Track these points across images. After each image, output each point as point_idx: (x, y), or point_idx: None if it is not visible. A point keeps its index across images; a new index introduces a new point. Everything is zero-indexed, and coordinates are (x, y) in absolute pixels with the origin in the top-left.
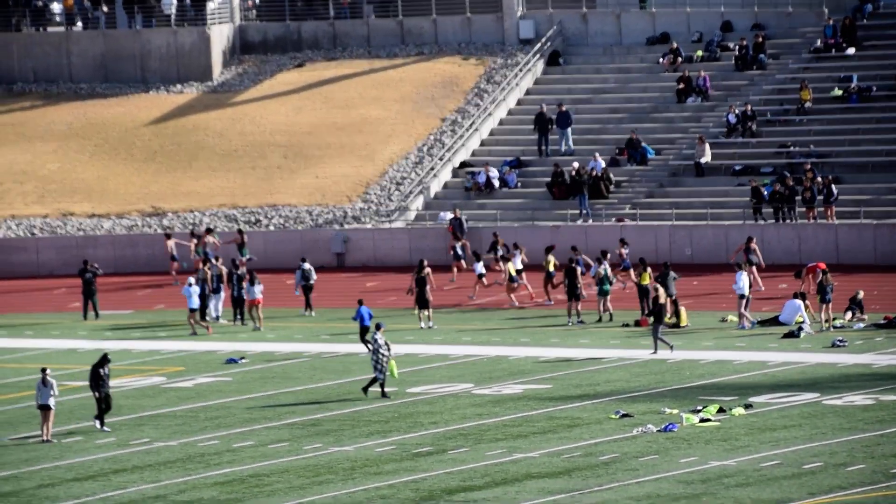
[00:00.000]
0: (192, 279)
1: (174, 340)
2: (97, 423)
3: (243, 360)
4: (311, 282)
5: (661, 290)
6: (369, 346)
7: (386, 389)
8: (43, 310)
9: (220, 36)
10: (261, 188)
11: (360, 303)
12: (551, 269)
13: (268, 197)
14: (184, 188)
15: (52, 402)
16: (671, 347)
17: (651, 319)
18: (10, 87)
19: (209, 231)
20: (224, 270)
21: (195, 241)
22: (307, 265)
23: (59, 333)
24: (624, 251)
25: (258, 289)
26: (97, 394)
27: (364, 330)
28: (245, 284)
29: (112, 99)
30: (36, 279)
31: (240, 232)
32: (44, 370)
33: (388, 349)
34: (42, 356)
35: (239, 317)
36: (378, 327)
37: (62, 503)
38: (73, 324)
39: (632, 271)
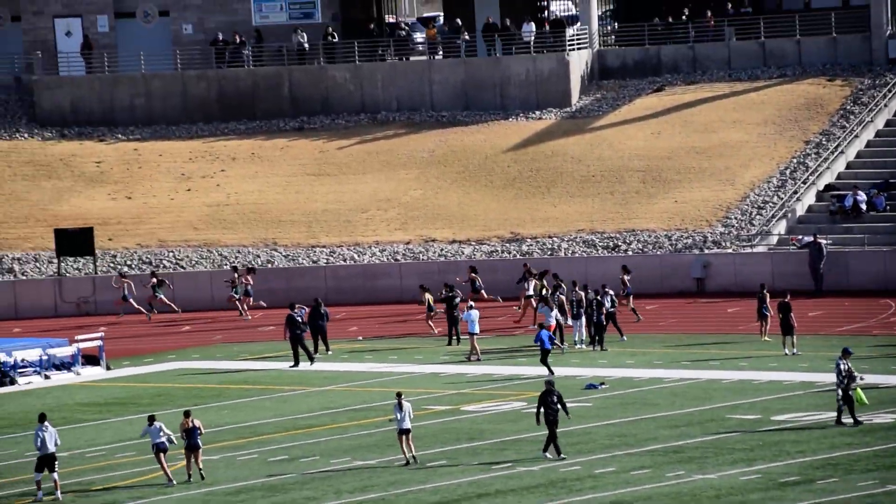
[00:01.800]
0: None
1: (533, 366)
2: (546, 454)
3: (603, 386)
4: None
5: None
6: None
7: (857, 416)
8: (406, 334)
9: (578, 62)
10: (619, 213)
11: (541, 326)
12: None
13: (626, 222)
14: (542, 214)
15: (407, 424)
16: None
17: None
18: (375, 115)
19: (250, 270)
20: (583, 296)
21: (235, 276)
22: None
23: (422, 358)
24: None
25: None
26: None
27: (545, 353)
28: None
29: (472, 126)
30: (399, 304)
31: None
32: (399, 394)
33: (852, 378)
34: (404, 381)
35: (598, 342)
36: (846, 353)
37: None
38: (436, 349)
39: None
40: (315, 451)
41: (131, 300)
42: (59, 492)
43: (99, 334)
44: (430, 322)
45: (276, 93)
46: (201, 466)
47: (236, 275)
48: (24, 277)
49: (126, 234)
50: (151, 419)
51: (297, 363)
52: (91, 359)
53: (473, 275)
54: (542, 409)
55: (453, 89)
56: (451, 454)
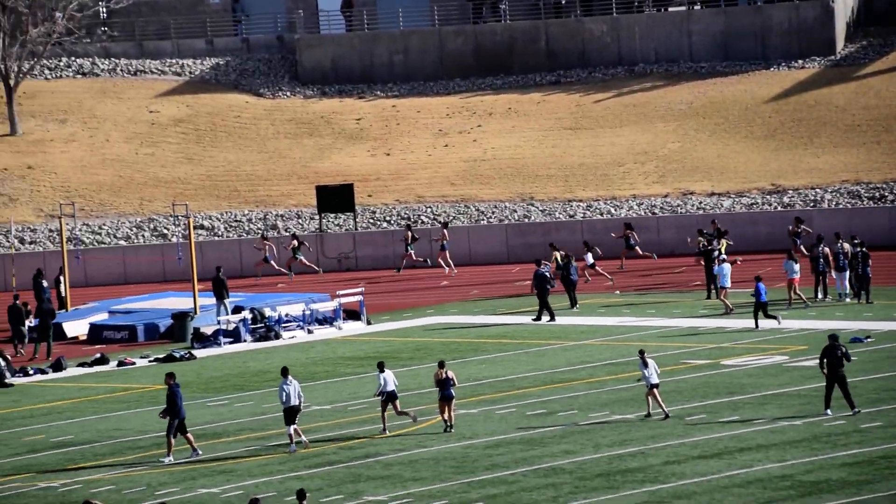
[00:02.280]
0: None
1: (797, 319)
2: (828, 412)
3: (868, 339)
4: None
5: None
6: None
7: None
8: (665, 289)
9: (843, 8)
10: (886, 163)
11: (758, 279)
12: None
13: (893, 172)
14: (805, 165)
15: (655, 380)
16: None
17: None
18: (632, 67)
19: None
20: (849, 249)
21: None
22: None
23: (680, 312)
24: None
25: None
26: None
27: (760, 305)
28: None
29: (732, 77)
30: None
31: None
32: (641, 352)
33: None
34: (663, 335)
35: (864, 295)
36: None
37: (687, 480)
38: (694, 303)
39: None
40: (573, 405)
41: (272, 262)
42: (293, 444)
43: (360, 289)
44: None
45: (532, 47)
46: (453, 417)
47: (265, 241)
48: (287, 234)
49: (385, 189)
50: (381, 366)
51: (552, 317)
52: (352, 313)
53: (628, 231)
54: (825, 361)
55: (712, 39)
56: (710, 408)
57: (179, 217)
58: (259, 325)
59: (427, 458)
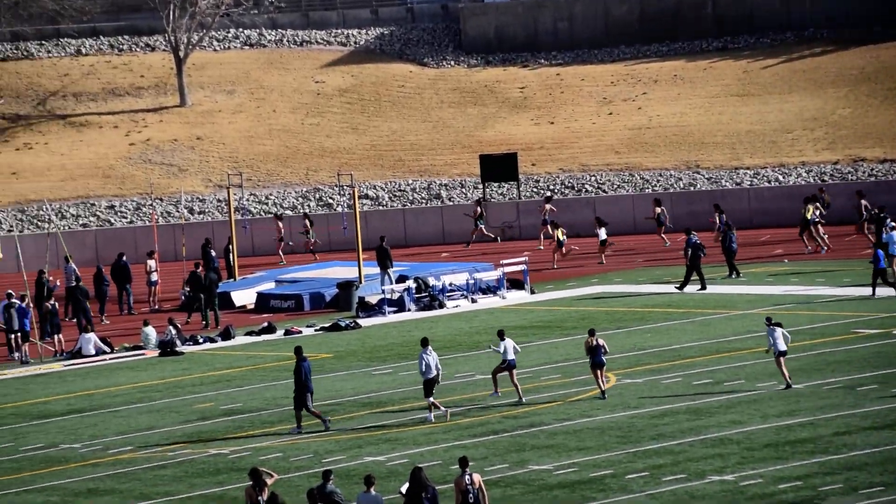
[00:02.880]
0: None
1: None
2: None
3: None
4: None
5: None
6: None
7: None
8: (836, 257)
9: None
10: None
11: (877, 246)
12: None
13: None
14: None
15: (782, 347)
16: None
17: None
18: (801, 32)
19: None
20: None
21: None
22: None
23: (850, 281)
24: None
25: None
26: None
27: (879, 272)
28: None
29: None
30: (827, 226)
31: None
32: (769, 319)
33: None
34: (832, 304)
35: None
36: None
37: (858, 451)
38: (864, 271)
39: None
40: (739, 374)
41: (289, 242)
42: (431, 414)
43: (523, 258)
44: (555, 255)
45: (699, 13)
46: (606, 383)
47: (307, 221)
48: (451, 203)
49: (548, 158)
50: (501, 334)
51: (703, 286)
52: (516, 283)
53: (658, 208)
54: None
55: (884, 2)
56: (881, 378)
57: (344, 187)
58: (423, 295)
59: (592, 427)
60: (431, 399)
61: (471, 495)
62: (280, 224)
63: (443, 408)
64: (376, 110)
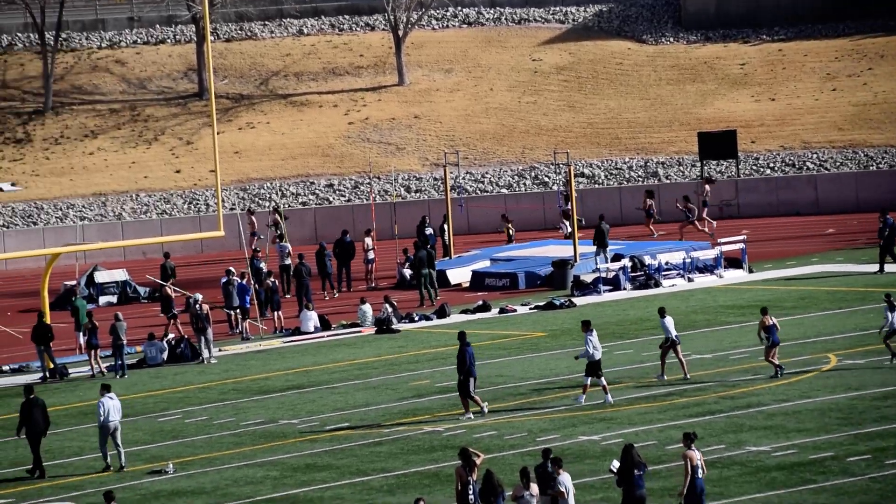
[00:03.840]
0: None
1: None
2: None
3: None
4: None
5: None
6: None
7: None
8: None
9: None
10: None
11: None
12: None
13: None
14: None
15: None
16: None
17: None
18: None
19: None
20: None
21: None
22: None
23: None
24: None
25: None
26: None
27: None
28: None
29: None
30: None
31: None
32: (887, 296)
33: None
34: None
35: None
36: None
37: None
38: None
39: None
40: None
41: (260, 236)
42: (609, 396)
43: (741, 237)
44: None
45: None
46: (778, 363)
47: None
48: (668, 181)
49: (768, 136)
50: (662, 312)
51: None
52: (733, 261)
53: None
54: None
55: None
56: None
57: (560, 165)
58: (639, 273)
59: (811, 408)
60: (591, 379)
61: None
62: (253, 218)
63: (609, 396)
64: (593, 88)
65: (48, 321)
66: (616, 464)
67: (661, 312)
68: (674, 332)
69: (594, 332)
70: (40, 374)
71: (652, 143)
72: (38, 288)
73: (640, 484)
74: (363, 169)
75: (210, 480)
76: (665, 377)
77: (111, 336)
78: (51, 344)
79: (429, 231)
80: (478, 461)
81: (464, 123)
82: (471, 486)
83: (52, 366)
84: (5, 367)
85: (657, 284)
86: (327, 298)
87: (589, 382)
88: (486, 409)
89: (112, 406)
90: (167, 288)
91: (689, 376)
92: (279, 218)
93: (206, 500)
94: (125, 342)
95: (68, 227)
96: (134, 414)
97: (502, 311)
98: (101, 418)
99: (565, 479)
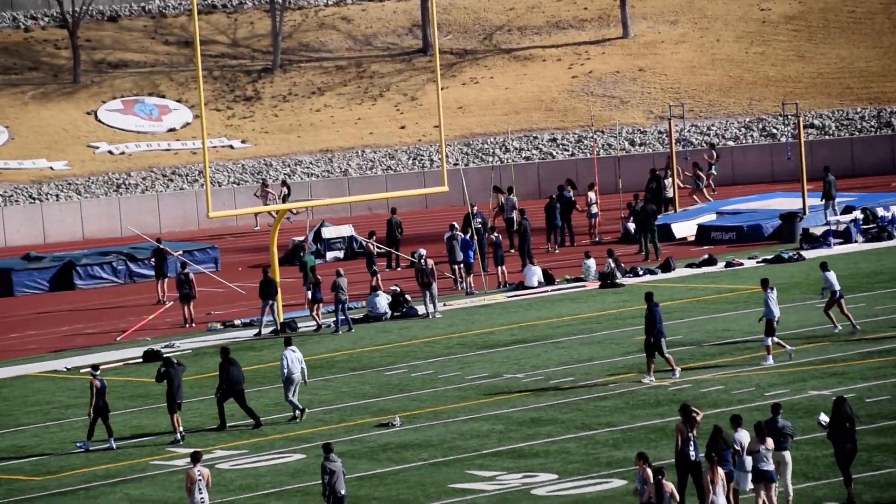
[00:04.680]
0: None
1: None
2: None
3: None
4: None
5: None
6: None
7: None
8: None
9: None
10: None
11: None
12: None
13: None
14: None
15: None
16: None
17: None
18: None
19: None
20: None
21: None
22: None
23: None
24: None
25: None
26: None
27: None
28: None
29: None
30: None
31: None
32: None
33: None
34: None
35: None
36: None
37: None
38: None
39: None
40: None
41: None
42: (769, 357)
43: None
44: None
45: None
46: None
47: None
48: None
49: None
50: (824, 266)
51: None
52: None
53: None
54: None
55: None
56: None
57: (789, 116)
58: (871, 226)
59: None
60: (773, 339)
61: None
62: (269, 190)
63: (789, 346)
64: (824, 37)
65: (276, 277)
66: (824, 417)
67: (824, 267)
68: (837, 286)
69: (774, 291)
70: (270, 329)
71: (885, 92)
72: (267, 244)
73: (851, 437)
74: (586, 123)
75: (436, 434)
76: (839, 327)
77: (332, 292)
78: (278, 298)
79: (666, 182)
80: (698, 418)
81: (689, 75)
82: (691, 443)
83: (282, 320)
84: (237, 322)
85: (890, 237)
86: (550, 252)
87: (771, 343)
88: (677, 373)
89: (295, 358)
90: (370, 244)
91: (858, 328)
92: (285, 190)
93: (433, 453)
94: (347, 298)
95: (296, 184)
96: (361, 368)
97: (728, 265)
98: (285, 371)
99: (741, 437)
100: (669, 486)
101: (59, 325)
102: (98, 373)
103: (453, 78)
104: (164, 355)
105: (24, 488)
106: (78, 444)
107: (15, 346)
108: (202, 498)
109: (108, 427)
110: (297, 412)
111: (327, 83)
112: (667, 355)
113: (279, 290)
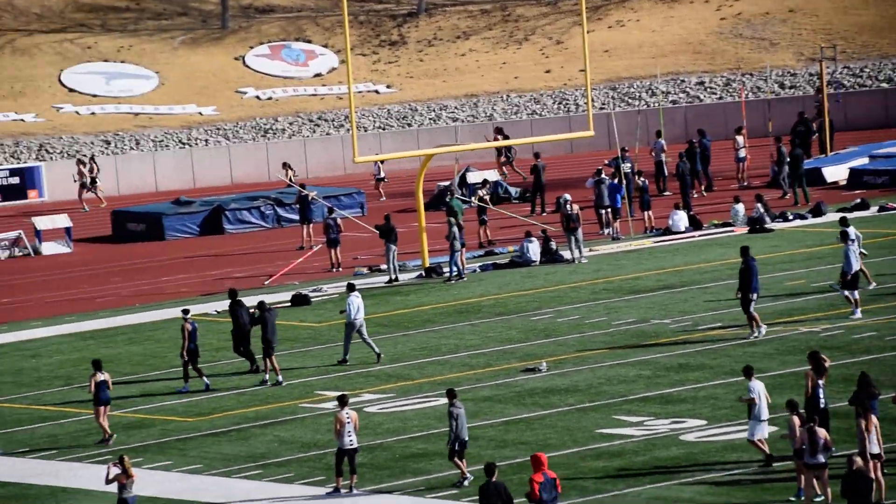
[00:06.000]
0: None
1: None
2: None
3: None
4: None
5: None
6: None
7: None
8: None
9: None
10: None
11: None
12: None
13: None
14: None
15: None
16: None
17: None
18: None
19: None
20: None
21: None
22: None
23: None
24: None
25: None
26: None
27: None
28: None
29: None
30: None
31: None
32: None
33: None
34: None
35: None
36: None
37: None
38: None
39: None
40: None
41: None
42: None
43: None
44: None
45: None
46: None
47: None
48: None
49: None
50: (844, 221)
51: None
52: None
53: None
54: None
55: None
56: None
57: None
58: None
59: None
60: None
61: None
62: (82, 168)
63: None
64: None
65: (422, 224)
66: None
67: (843, 222)
68: None
69: (855, 242)
70: (416, 273)
71: None
72: (412, 189)
73: (873, 408)
74: (734, 66)
75: (583, 378)
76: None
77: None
78: (397, 243)
79: (812, 126)
80: (827, 365)
81: (842, 16)
82: (821, 390)
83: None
84: (364, 270)
85: None
86: (696, 196)
87: (857, 296)
88: (762, 332)
89: (359, 304)
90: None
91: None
92: (288, 171)
93: (580, 398)
94: (459, 247)
95: (441, 128)
96: (507, 313)
97: (882, 209)
98: (351, 316)
99: (757, 386)
100: (822, 433)
101: (208, 269)
102: (189, 316)
103: (599, 21)
104: (259, 300)
105: (178, 429)
106: (178, 389)
107: (167, 290)
108: (351, 440)
109: (197, 369)
110: (375, 354)
111: (472, 27)
112: (753, 313)
113: (396, 235)
